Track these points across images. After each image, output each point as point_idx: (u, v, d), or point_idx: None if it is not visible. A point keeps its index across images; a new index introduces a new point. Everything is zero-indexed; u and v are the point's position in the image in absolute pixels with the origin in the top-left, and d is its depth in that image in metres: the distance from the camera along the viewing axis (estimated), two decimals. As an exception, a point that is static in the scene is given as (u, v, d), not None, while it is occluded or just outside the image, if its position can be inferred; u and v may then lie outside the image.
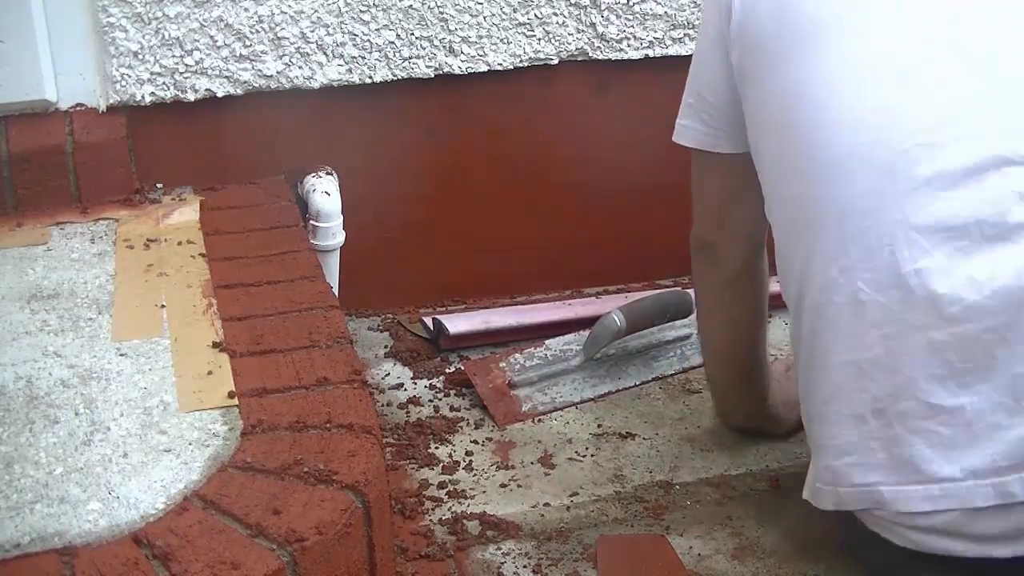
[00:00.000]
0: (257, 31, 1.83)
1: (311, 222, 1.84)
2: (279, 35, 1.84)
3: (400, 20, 1.89)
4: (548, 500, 1.56)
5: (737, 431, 1.68)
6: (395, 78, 1.92)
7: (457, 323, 1.93)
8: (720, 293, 1.55)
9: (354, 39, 1.88)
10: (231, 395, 1.31)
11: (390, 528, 1.30)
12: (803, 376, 1.31)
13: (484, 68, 1.96)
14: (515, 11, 1.93)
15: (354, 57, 1.89)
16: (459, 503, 1.55)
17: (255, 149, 1.92)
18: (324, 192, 1.85)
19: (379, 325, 2.05)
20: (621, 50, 2.01)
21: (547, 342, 1.86)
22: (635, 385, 1.83)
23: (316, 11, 1.84)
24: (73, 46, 1.79)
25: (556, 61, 2.00)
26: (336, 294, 1.66)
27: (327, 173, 1.91)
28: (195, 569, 1.03)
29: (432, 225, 2.07)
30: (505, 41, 1.95)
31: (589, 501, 1.56)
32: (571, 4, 1.95)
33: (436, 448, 1.68)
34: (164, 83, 1.82)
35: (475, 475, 1.62)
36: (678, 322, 1.90)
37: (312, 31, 1.85)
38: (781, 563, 1.43)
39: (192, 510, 1.11)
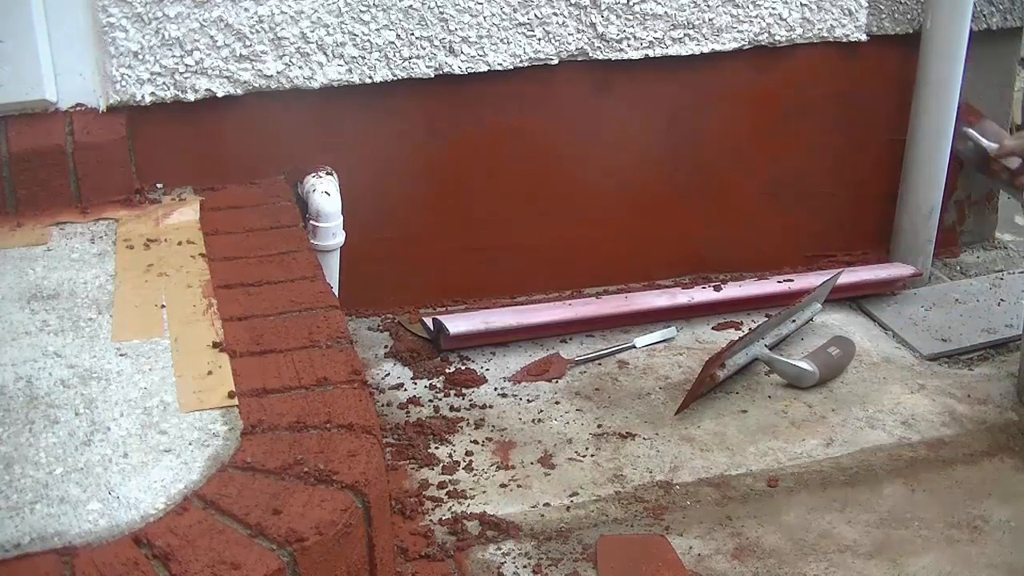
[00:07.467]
0: (257, 31, 1.83)
1: (311, 222, 1.84)
2: (279, 35, 1.84)
3: (400, 20, 1.89)
4: (548, 500, 1.56)
5: None
6: (395, 78, 1.92)
7: (457, 323, 1.93)
8: None
9: (354, 39, 1.88)
10: (231, 395, 1.31)
11: (390, 528, 1.30)
12: None
13: (484, 68, 1.95)
14: (515, 11, 1.93)
15: (354, 57, 1.89)
16: (459, 503, 1.55)
17: (255, 149, 1.92)
18: (324, 192, 1.85)
19: (379, 325, 2.05)
20: (621, 50, 2.01)
21: None
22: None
23: (316, 11, 1.84)
24: (73, 46, 1.79)
25: (556, 61, 1.99)
26: (336, 294, 1.66)
27: (327, 173, 1.91)
28: (195, 569, 1.03)
29: (432, 225, 2.07)
30: (505, 41, 1.95)
31: (589, 501, 1.56)
32: (571, 4, 1.95)
33: (436, 448, 1.68)
34: (164, 83, 1.82)
35: (475, 475, 1.62)
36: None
37: (312, 31, 1.85)
38: (781, 563, 1.44)
39: (192, 510, 1.11)
